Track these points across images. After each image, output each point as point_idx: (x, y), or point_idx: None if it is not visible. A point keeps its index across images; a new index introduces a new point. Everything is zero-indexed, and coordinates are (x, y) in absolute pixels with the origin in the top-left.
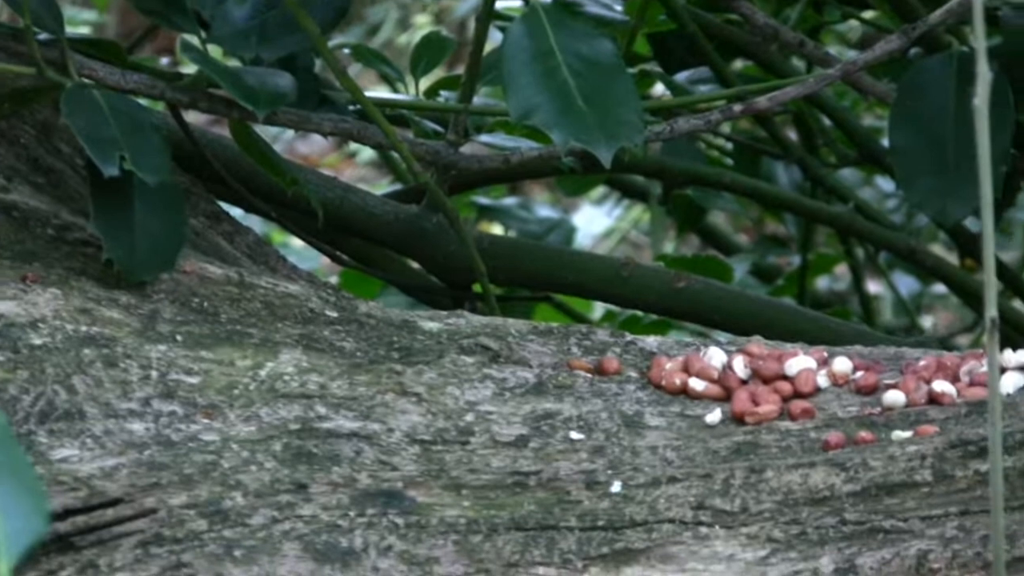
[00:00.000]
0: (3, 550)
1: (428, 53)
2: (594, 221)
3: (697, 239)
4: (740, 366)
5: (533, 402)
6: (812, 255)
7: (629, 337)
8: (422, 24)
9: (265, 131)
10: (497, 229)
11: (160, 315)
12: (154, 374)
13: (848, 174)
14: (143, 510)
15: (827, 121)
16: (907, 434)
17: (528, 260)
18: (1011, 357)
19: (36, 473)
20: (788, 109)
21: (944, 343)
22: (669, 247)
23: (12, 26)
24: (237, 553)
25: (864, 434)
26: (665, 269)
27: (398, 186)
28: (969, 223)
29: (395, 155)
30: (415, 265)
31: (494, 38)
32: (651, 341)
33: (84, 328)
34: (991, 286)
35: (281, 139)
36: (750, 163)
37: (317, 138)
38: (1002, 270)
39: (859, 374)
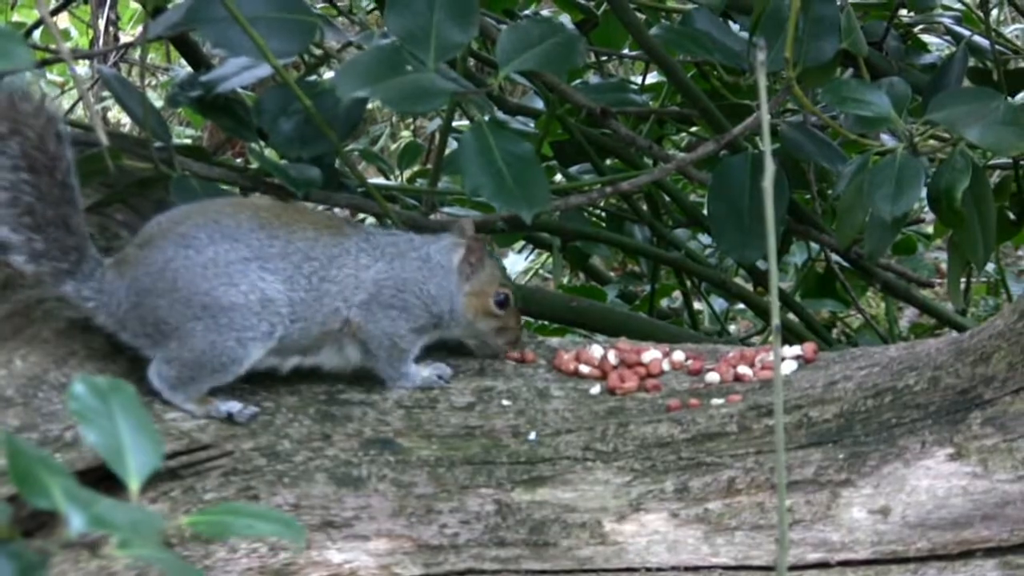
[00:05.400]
0: (134, 475)
1: (409, 154)
2: (517, 263)
3: (583, 274)
4: (612, 356)
5: (478, 381)
6: (658, 284)
7: (540, 338)
8: (405, 136)
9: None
10: None
11: None
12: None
13: (681, 232)
14: (224, 452)
15: (667, 197)
16: (721, 401)
17: None
18: (788, 350)
19: (155, 428)
20: (642, 190)
21: (744, 341)
22: (566, 279)
23: (138, 137)
24: (285, 480)
25: (693, 401)
26: (562, 293)
27: None
28: (760, 264)
29: (388, 220)
30: None
31: (451, 145)
32: (554, 341)
33: None
34: (775, 304)
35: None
36: (617, 225)
37: (338, 209)
38: (781, 294)
39: (690, 362)
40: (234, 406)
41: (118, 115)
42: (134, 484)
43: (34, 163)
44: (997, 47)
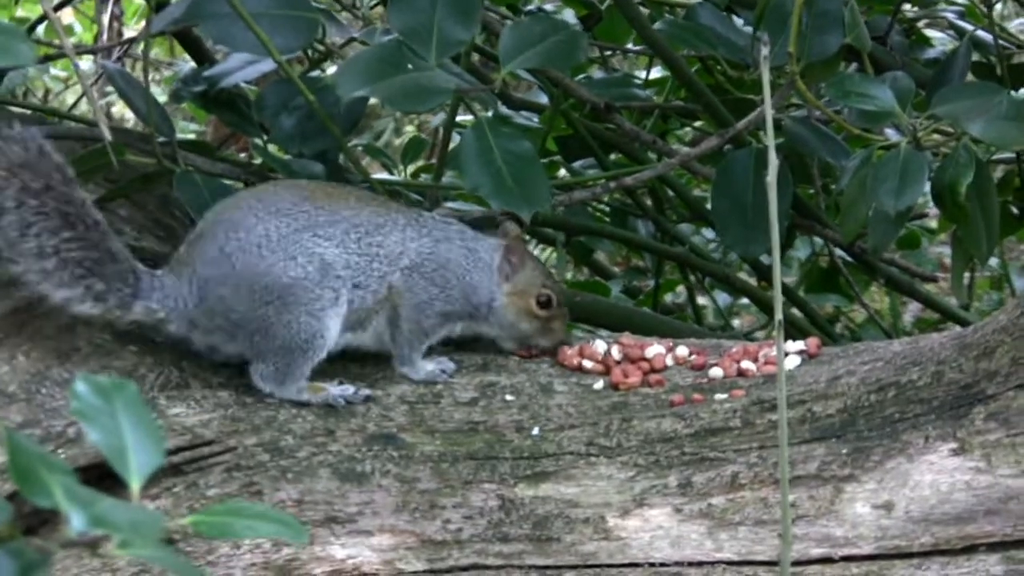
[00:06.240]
0: (135, 475)
1: (412, 149)
2: None
3: (587, 269)
4: (616, 351)
5: (481, 376)
6: (662, 279)
7: None
8: (409, 131)
9: None
10: None
11: None
12: (235, 359)
13: (685, 227)
14: (227, 447)
15: (671, 192)
16: (724, 396)
17: None
18: (792, 345)
19: (157, 424)
20: (646, 185)
21: (747, 336)
22: (569, 275)
23: (141, 132)
24: (289, 476)
25: (697, 396)
26: (567, 288)
27: None
28: (763, 259)
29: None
30: None
31: (455, 140)
32: None
33: None
34: (778, 299)
35: None
36: (621, 220)
37: None
38: (785, 289)
39: (693, 357)
40: (347, 390)
41: (122, 110)
42: (135, 484)
43: (68, 217)
44: (1000, 42)
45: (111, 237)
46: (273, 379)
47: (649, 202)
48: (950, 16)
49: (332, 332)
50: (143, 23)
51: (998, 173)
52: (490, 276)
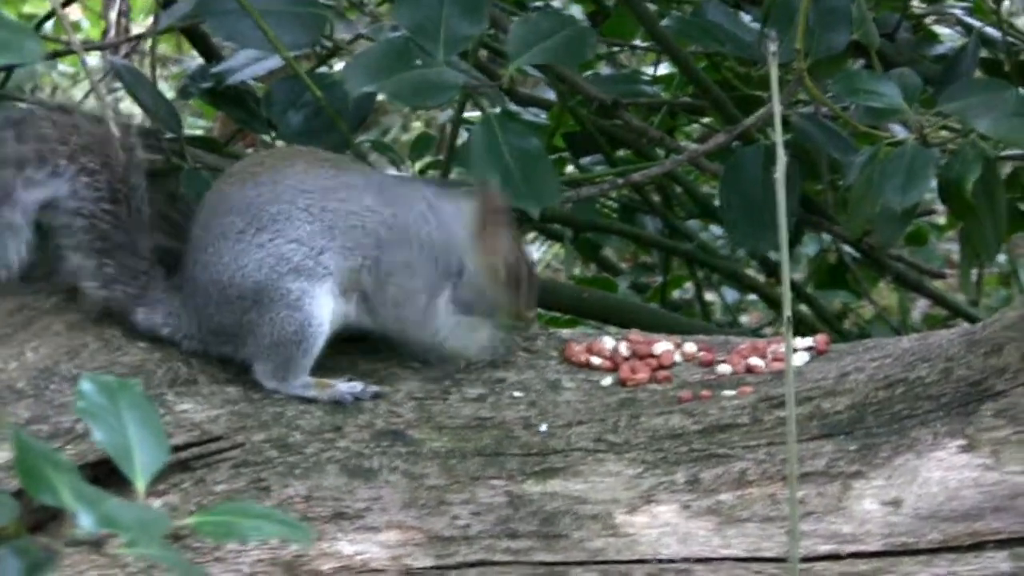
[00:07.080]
0: (140, 475)
1: (420, 145)
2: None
3: (594, 266)
4: (624, 348)
5: (489, 372)
6: (669, 276)
7: (551, 330)
8: (417, 127)
9: None
10: None
11: None
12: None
13: (693, 223)
14: (235, 443)
15: (679, 188)
16: (733, 392)
17: None
18: (800, 342)
19: (162, 423)
20: (653, 181)
21: (755, 333)
22: (577, 271)
23: (149, 128)
24: (297, 472)
25: (705, 392)
26: (574, 285)
27: None
28: (771, 255)
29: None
30: None
31: (463, 136)
32: (566, 332)
33: None
34: (786, 295)
35: None
36: (629, 216)
37: None
38: (793, 285)
39: (701, 353)
40: (355, 387)
41: (130, 106)
42: (141, 483)
43: (116, 194)
44: (1008, 38)
45: (144, 232)
46: (275, 377)
47: (657, 198)
48: (958, 12)
49: (320, 317)
50: (150, 19)
51: (1006, 170)
52: (460, 238)
